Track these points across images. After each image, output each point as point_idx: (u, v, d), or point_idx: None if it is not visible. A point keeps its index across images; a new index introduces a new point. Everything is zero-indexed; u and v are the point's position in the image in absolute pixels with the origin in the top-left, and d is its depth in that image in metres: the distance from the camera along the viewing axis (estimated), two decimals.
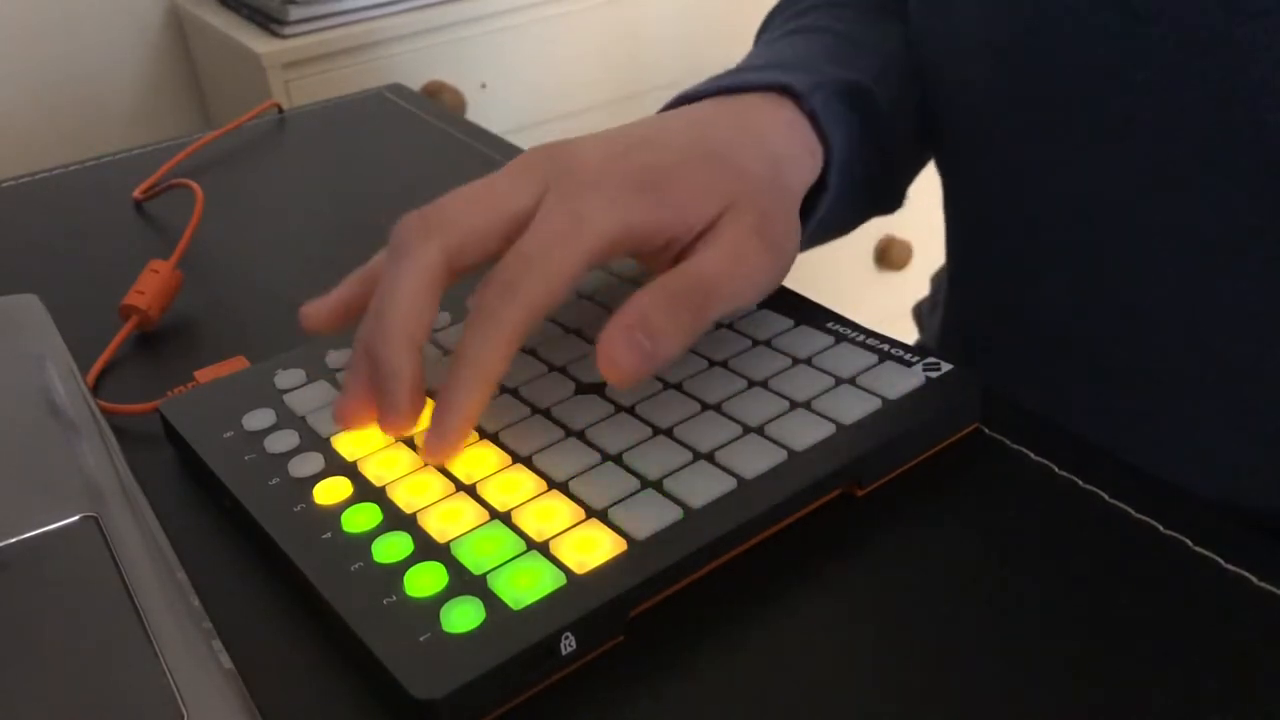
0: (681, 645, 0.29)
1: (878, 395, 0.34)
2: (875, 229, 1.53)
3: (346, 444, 0.34)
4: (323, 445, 0.34)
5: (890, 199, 0.50)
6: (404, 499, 0.32)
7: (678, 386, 0.35)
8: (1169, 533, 0.31)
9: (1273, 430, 0.42)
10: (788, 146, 0.40)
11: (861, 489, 0.33)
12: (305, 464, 0.33)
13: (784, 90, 0.41)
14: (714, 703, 0.27)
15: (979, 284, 0.53)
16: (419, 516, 0.31)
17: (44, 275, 0.51)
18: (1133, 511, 0.32)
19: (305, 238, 0.53)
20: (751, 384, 0.35)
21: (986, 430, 0.35)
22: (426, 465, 0.33)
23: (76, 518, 0.31)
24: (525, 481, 0.32)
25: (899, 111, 0.47)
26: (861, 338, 0.37)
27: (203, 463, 0.34)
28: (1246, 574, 0.29)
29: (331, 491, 0.32)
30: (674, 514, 0.30)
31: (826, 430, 0.33)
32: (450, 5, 1.14)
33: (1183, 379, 0.43)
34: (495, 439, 0.34)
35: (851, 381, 0.35)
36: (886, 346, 0.36)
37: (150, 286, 0.45)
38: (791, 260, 0.36)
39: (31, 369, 0.38)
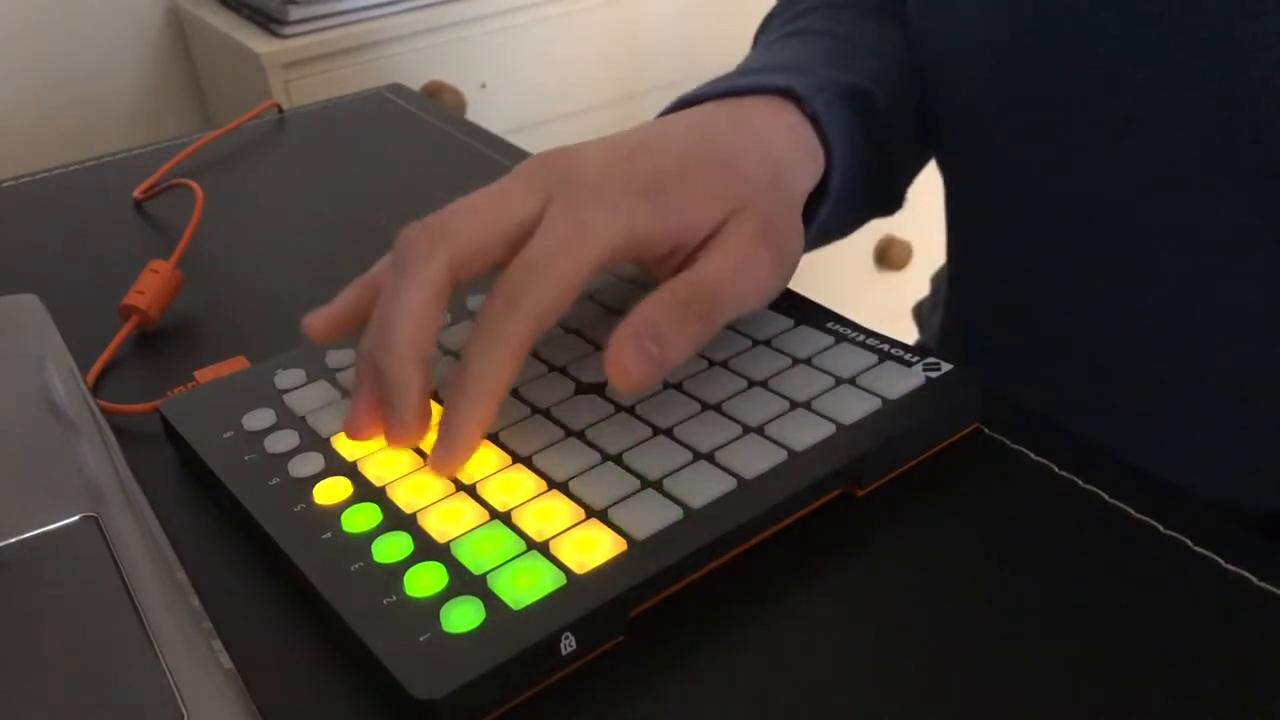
0: (681, 645, 0.29)
1: (878, 395, 0.34)
2: (875, 229, 1.53)
3: (346, 444, 0.34)
4: (323, 445, 0.34)
5: (890, 201, 0.50)
6: (404, 499, 0.32)
7: (678, 386, 0.35)
8: (1169, 533, 0.31)
9: (1273, 430, 0.42)
10: (789, 150, 0.40)
11: (861, 489, 0.33)
12: (305, 464, 0.33)
13: (785, 94, 0.41)
14: (714, 703, 0.27)
15: (979, 284, 0.53)
16: (419, 516, 0.31)
17: (44, 275, 0.51)
18: (1133, 511, 0.32)
19: (305, 238, 0.53)
20: (751, 384, 0.35)
21: (986, 430, 0.35)
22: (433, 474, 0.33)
23: (76, 518, 0.31)
24: (525, 481, 0.32)
25: (899, 113, 0.47)
26: (861, 338, 0.37)
27: (203, 463, 0.34)
28: (1246, 574, 0.29)
29: (331, 491, 0.32)
30: (674, 514, 0.30)
31: (826, 430, 0.33)
32: (450, 5, 1.14)
33: (1183, 379, 0.43)
34: (495, 439, 0.34)
35: (851, 381, 0.35)
36: (886, 346, 0.36)
37: (150, 286, 0.45)
38: (795, 264, 0.36)
39: (31, 369, 0.38)
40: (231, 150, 0.64)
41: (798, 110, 0.41)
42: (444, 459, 0.31)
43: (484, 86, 1.18)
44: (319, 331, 0.35)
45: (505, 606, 0.28)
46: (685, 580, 0.30)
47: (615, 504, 0.30)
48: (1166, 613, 0.28)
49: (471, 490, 0.32)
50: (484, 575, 0.29)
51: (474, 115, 1.17)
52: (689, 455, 0.32)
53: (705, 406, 0.34)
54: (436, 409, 0.34)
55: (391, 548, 0.30)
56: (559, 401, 0.35)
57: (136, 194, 0.57)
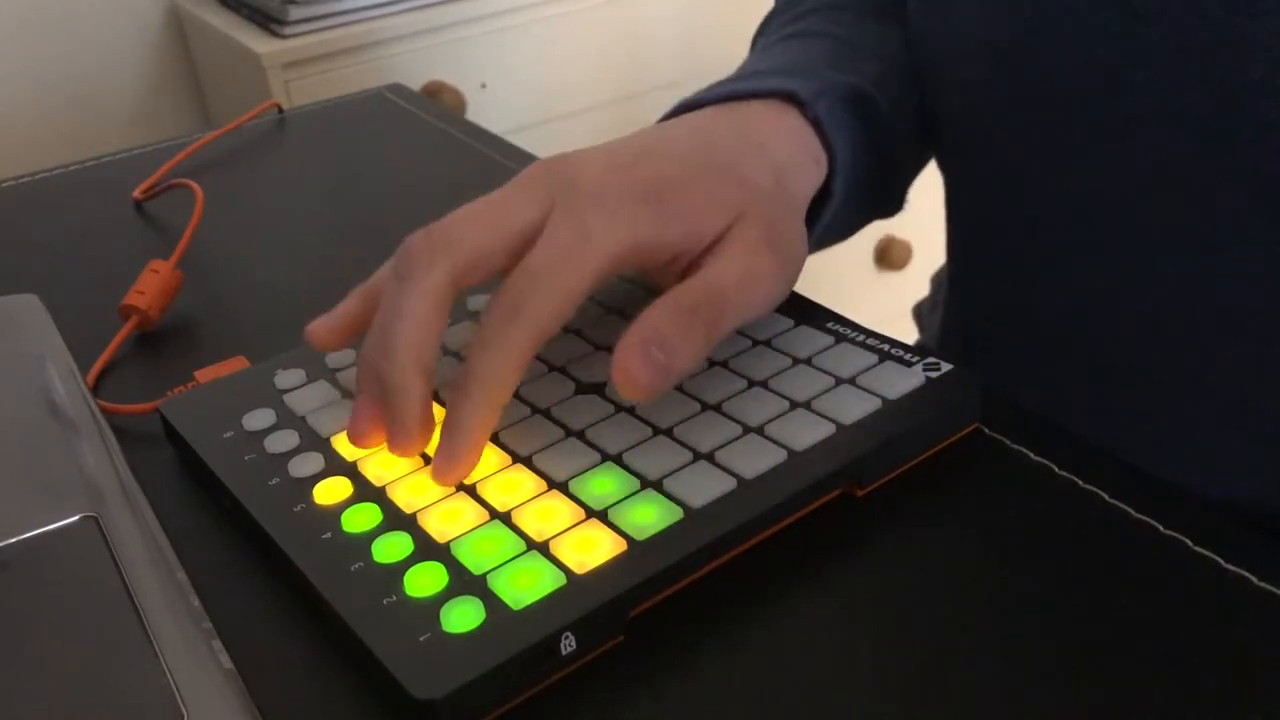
0: (681, 645, 0.29)
1: (878, 395, 0.34)
2: (875, 229, 1.53)
3: (346, 444, 0.34)
4: (323, 445, 0.34)
5: (891, 202, 0.50)
6: (404, 499, 0.32)
7: (678, 386, 0.35)
8: (1169, 533, 0.31)
9: (1273, 430, 0.42)
10: (791, 155, 0.39)
11: (861, 489, 0.33)
12: (305, 464, 0.33)
13: (787, 97, 0.41)
14: (714, 703, 0.27)
15: (979, 284, 0.53)
16: (419, 516, 0.31)
17: (44, 275, 0.51)
18: (1133, 511, 0.32)
19: (305, 238, 0.53)
20: (751, 384, 0.35)
21: (986, 430, 0.35)
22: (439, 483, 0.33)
23: (76, 518, 0.31)
24: (525, 481, 0.32)
25: (900, 115, 0.46)
26: (861, 338, 0.37)
27: (203, 463, 0.34)
28: (1246, 574, 0.29)
29: (331, 491, 0.32)
30: (674, 514, 0.30)
31: (826, 430, 0.33)
32: (450, 5, 1.14)
33: (1183, 379, 0.43)
34: (495, 439, 0.34)
35: (851, 381, 0.35)
36: (886, 346, 0.36)
37: (150, 286, 0.45)
38: (800, 269, 0.36)
39: (31, 369, 0.38)
40: (231, 150, 0.64)
41: (800, 114, 0.41)
42: (447, 467, 0.31)
43: (484, 86, 1.18)
44: (321, 339, 0.35)
45: (505, 606, 0.28)
46: (685, 580, 0.30)
47: (615, 504, 0.30)
48: (1166, 613, 0.28)
49: (471, 490, 0.32)
50: (484, 575, 0.29)
51: (474, 115, 1.17)
52: (689, 455, 0.32)
53: (705, 406, 0.34)
54: (439, 411, 0.34)
55: (391, 548, 0.30)
56: (559, 401, 0.35)
57: (136, 194, 0.57)
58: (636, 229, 0.33)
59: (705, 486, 0.31)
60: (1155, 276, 0.42)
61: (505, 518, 0.31)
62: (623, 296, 0.41)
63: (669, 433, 0.33)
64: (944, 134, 0.50)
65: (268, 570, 0.32)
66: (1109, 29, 0.38)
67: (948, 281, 0.57)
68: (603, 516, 0.30)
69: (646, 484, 0.31)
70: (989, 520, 0.32)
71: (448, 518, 0.31)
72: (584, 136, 1.27)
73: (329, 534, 0.31)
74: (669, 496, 0.31)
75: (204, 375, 0.42)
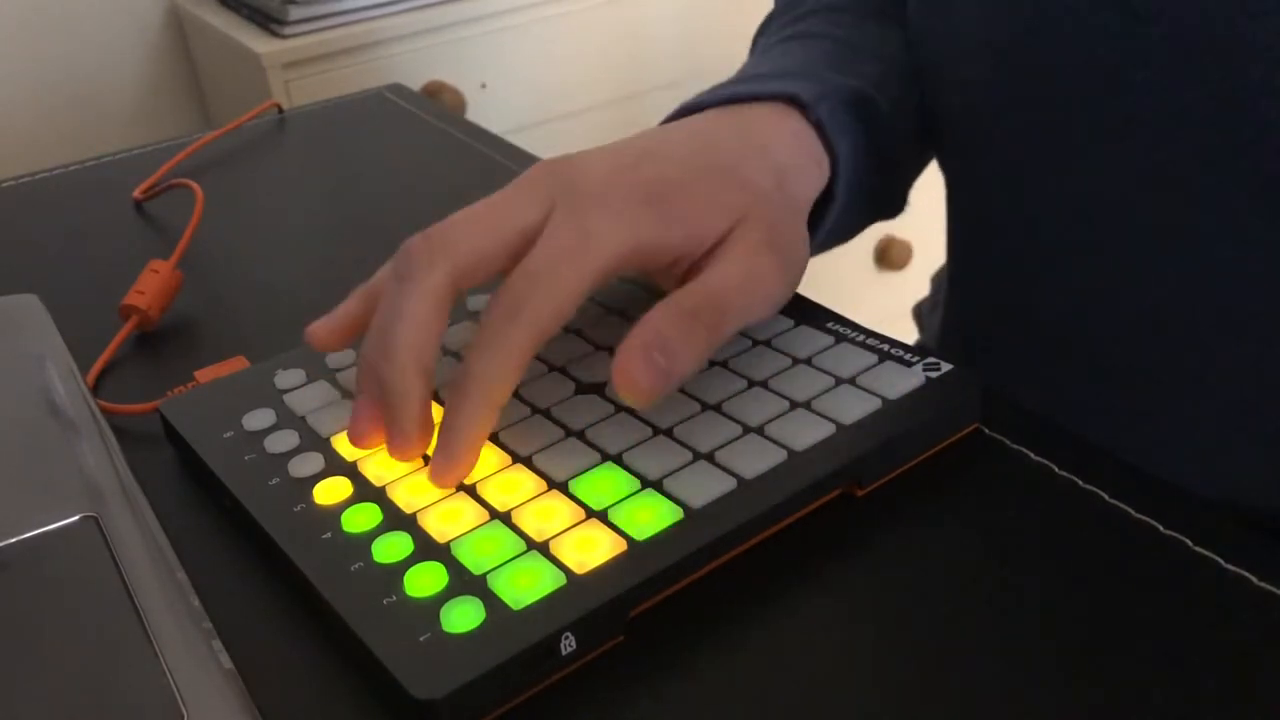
0: (681, 645, 0.29)
1: (878, 395, 0.34)
2: (875, 229, 1.53)
3: (346, 444, 0.34)
4: (323, 445, 0.34)
5: (893, 204, 0.50)
6: (404, 499, 0.32)
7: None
8: (1169, 533, 0.31)
9: (1273, 430, 0.42)
10: (793, 158, 0.39)
11: (861, 489, 0.33)
12: (305, 464, 0.33)
13: (789, 100, 0.41)
14: (714, 703, 0.27)
15: (979, 284, 0.53)
16: (419, 516, 0.31)
17: (44, 275, 0.51)
18: (1133, 511, 0.32)
19: (305, 238, 0.53)
20: (751, 384, 0.35)
21: (986, 430, 0.35)
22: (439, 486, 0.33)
23: (76, 518, 0.31)
24: (525, 481, 0.32)
25: (900, 116, 0.46)
26: (861, 338, 0.37)
27: (203, 463, 0.34)
28: (1246, 574, 0.29)
29: (331, 491, 0.32)
30: (674, 514, 0.30)
31: (826, 430, 0.33)
32: (450, 5, 1.14)
33: (1183, 379, 0.43)
34: (495, 439, 0.34)
35: (851, 381, 0.35)
36: (886, 346, 0.36)
37: (150, 286, 0.45)
38: (802, 271, 0.36)
39: (31, 369, 0.38)
40: (231, 150, 0.64)
41: (801, 117, 0.41)
42: (445, 469, 0.31)
43: (484, 86, 1.18)
44: (321, 340, 0.35)
45: (505, 606, 0.28)
46: (685, 580, 0.30)
47: (615, 504, 0.30)
48: (1166, 613, 0.28)
49: (471, 490, 0.32)
50: (484, 575, 0.29)
51: (474, 115, 1.17)
52: (689, 455, 0.32)
53: (705, 406, 0.34)
54: (439, 411, 0.34)
55: (391, 548, 0.30)
56: (559, 401, 0.35)
57: (136, 194, 0.57)
58: (638, 231, 0.33)
59: (705, 486, 0.31)
60: (1155, 276, 0.42)
61: (505, 518, 0.31)
62: (623, 297, 0.41)
63: (669, 433, 0.33)
64: (944, 134, 0.50)
65: (268, 570, 0.32)
66: (1109, 29, 0.38)
67: (948, 281, 0.57)
68: (603, 516, 0.30)
69: (646, 484, 0.31)
70: (989, 520, 0.32)
71: (448, 518, 0.31)
72: (584, 136, 1.27)
73: (329, 534, 0.31)
74: (669, 496, 0.31)
75: (204, 375, 0.42)
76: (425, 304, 0.31)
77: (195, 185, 0.52)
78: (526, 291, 0.31)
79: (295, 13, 1.08)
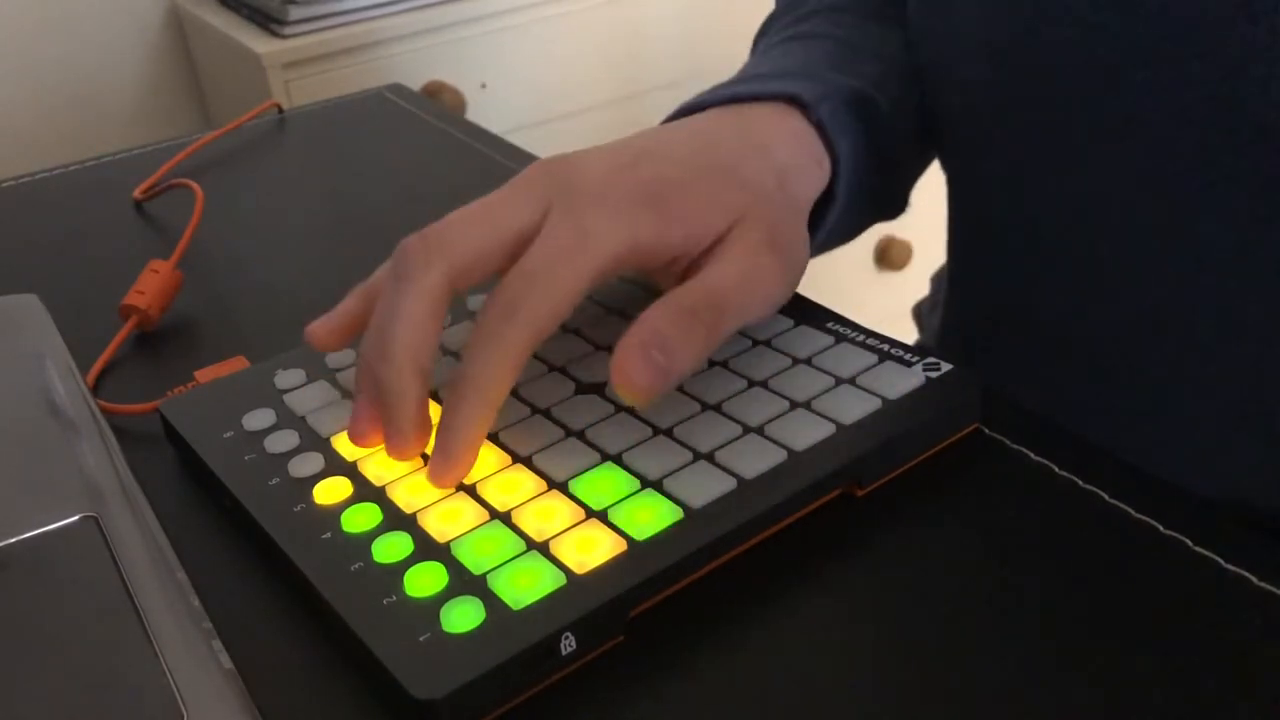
0: (681, 645, 0.29)
1: (878, 395, 0.34)
2: (875, 229, 1.53)
3: (346, 444, 0.34)
4: (323, 445, 0.34)
5: (894, 204, 0.50)
6: (404, 499, 0.32)
7: (678, 387, 0.35)
8: (1169, 533, 0.31)
9: (1273, 430, 0.42)
10: (794, 158, 0.39)
11: (861, 489, 0.33)
12: (305, 464, 0.33)
13: (790, 100, 0.41)
14: (714, 703, 0.27)
15: (979, 284, 0.53)
16: (419, 516, 0.31)
17: (44, 275, 0.51)
18: (1133, 511, 0.32)
19: (305, 238, 0.53)
20: (751, 384, 0.35)
21: (986, 430, 0.35)
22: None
23: (76, 518, 0.31)
24: (525, 481, 0.32)
25: (901, 116, 0.46)
26: (861, 338, 0.37)
27: (203, 463, 0.34)
28: (1246, 574, 0.29)
29: (331, 491, 0.32)
30: (674, 514, 0.30)
31: (826, 430, 0.33)
32: (450, 5, 1.14)
33: (1183, 379, 0.43)
34: (495, 439, 0.34)
35: (851, 381, 0.35)
36: (886, 346, 0.36)
37: (150, 286, 0.45)
38: (802, 271, 0.36)
39: (31, 369, 0.38)
40: (231, 150, 0.64)
41: (803, 117, 0.41)
42: (443, 469, 0.31)
43: (484, 86, 1.18)
44: (321, 339, 0.35)
45: (505, 606, 0.28)
46: (685, 580, 0.30)
47: (615, 504, 0.30)
48: (1166, 613, 0.28)
49: (471, 490, 0.32)
50: (484, 575, 0.29)
51: (474, 115, 1.17)
52: (689, 455, 0.32)
53: (705, 406, 0.34)
54: (437, 410, 0.34)
55: (391, 548, 0.30)
56: (559, 401, 0.35)
57: (136, 194, 0.57)
58: (636, 230, 0.32)
59: (705, 486, 0.31)
60: (1155, 276, 0.42)
61: (505, 518, 0.31)
62: (623, 297, 0.41)
63: (669, 433, 0.33)
64: (944, 134, 0.50)
65: (268, 570, 0.32)
66: (1109, 29, 0.38)
67: (948, 281, 0.57)
68: (603, 516, 0.30)
69: (646, 484, 0.31)
70: (989, 520, 0.32)
71: (448, 518, 0.31)
72: (584, 136, 1.27)
73: (329, 534, 0.31)
74: (669, 496, 0.31)
75: (204, 375, 0.42)
76: (421, 304, 0.31)
77: (195, 185, 0.52)
78: (523, 291, 0.31)
79: (295, 13, 1.08)
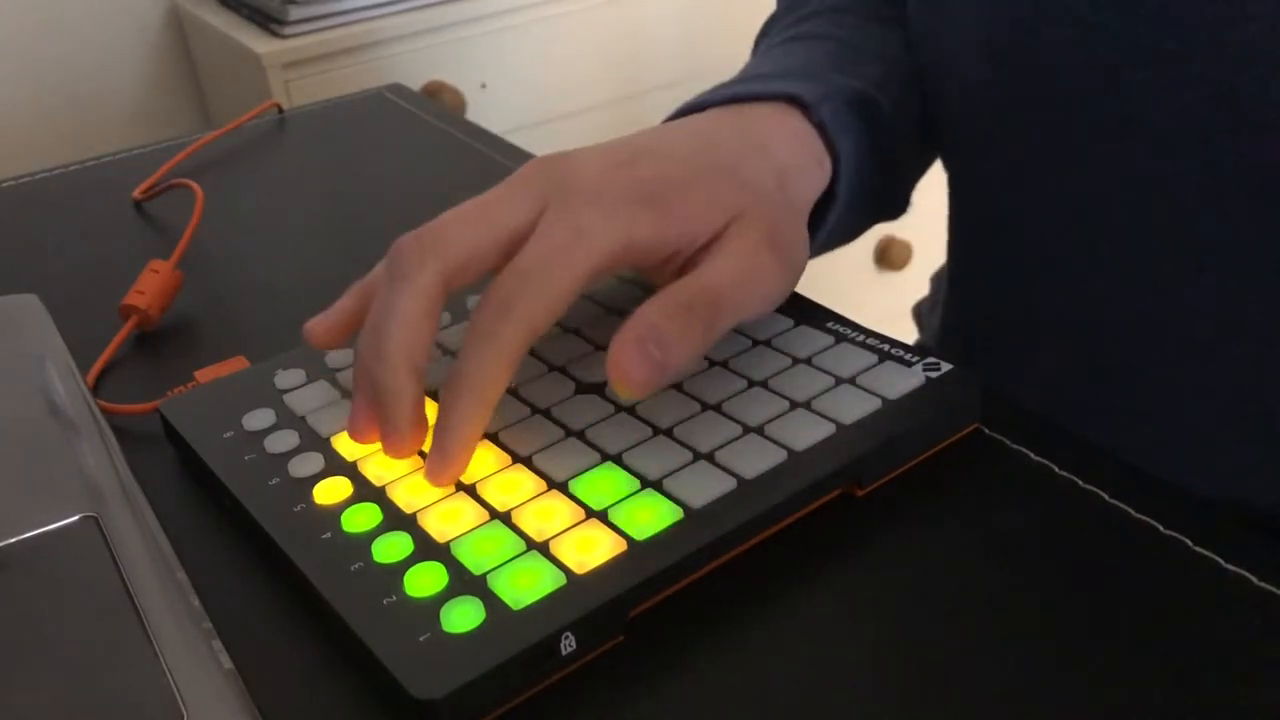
0: (681, 645, 0.29)
1: (878, 395, 0.34)
2: (875, 229, 1.53)
3: (346, 444, 0.34)
4: (323, 445, 0.34)
5: (895, 205, 0.50)
6: (404, 499, 0.32)
7: (678, 386, 0.35)
8: (1169, 533, 0.31)
9: (1273, 430, 0.42)
10: (795, 158, 0.39)
11: (861, 489, 0.33)
12: (305, 464, 0.33)
13: (791, 100, 0.41)
14: (714, 703, 0.27)
15: (979, 284, 0.53)
16: (419, 516, 0.31)
17: (44, 275, 0.51)
18: (1133, 511, 0.32)
19: (305, 238, 0.53)
20: (751, 384, 0.35)
21: (986, 430, 0.35)
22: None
23: (76, 518, 0.31)
24: (525, 481, 0.32)
25: (902, 117, 0.46)
26: (861, 338, 0.37)
27: (203, 463, 0.34)
28: (1246, 574, 0.29)
29: (331, 491, 0.32)
30: (674, 514, 0.30)
31: (826, 430, 0.33)
32: (450, 5, 1.14)
33: (1183, 379, 0.43)
34: (495, 439, 0.34)
35: (851, 381, 0.35)
36: (886, 346, 0.36)
37: (150, 286, 0.45)
38: (800, 272, 0.36)
39: (31, 369, 0.38)
40: (231, 150, 0.64)
41: (804, 117, 0.41)
42: (439, 468, 0.31)
43: (484, 86, 1.18)
44: (319, 338, 0.35)
45: (505, 606, 0.28)
46: (685, 580, 0.30)
47: (615, 504, 0.30)
48: (1166, 613, 0.28)
49: (471, 490, 0.32)
50: (484, 575, 0.29)
51: (474, 115, 1.17)
52: (689, 455, 0.32)
53: (705, 406, 0.34)
54: (435, 409, 0.34)
55: (391, 548, 0.30)
56: (559, 401, 0.35)
57: (136, 194, 0.57)
58: (631, 228, 0.32)
59: (705, 486, 0.31)
60: (1155, 276, 0.42)
61: (505, 518, 0.31)
62: (623, 296, 0.41)
63: (669, 433, 0.33)
64: (944, 134, 0.50)
65: (268, 570, 0.32)
66: (1109, 29, 0.38)
67: (948, 281, 0.57)
68: (603, 516, 0.30)
69: (646, 484, 0.31)
70: (989, 520, 0.32)
71: (448, 518, 0.31)
72: (584, 136, 1.27)
73: (329, 534, 0.31)
74: (669, 496, 0.31)
75: (204, 375, 0.42)
76: (416, 303, 0.31)
77: (195, 185, 0.52)
78: (518, 289, 0.31)
79: (295, 13, 1.08)
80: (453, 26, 1.14)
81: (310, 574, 0.29)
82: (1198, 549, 0.30)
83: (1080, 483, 0.33)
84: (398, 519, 0.31)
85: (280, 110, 0.68)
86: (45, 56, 1.25)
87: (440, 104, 0.89)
